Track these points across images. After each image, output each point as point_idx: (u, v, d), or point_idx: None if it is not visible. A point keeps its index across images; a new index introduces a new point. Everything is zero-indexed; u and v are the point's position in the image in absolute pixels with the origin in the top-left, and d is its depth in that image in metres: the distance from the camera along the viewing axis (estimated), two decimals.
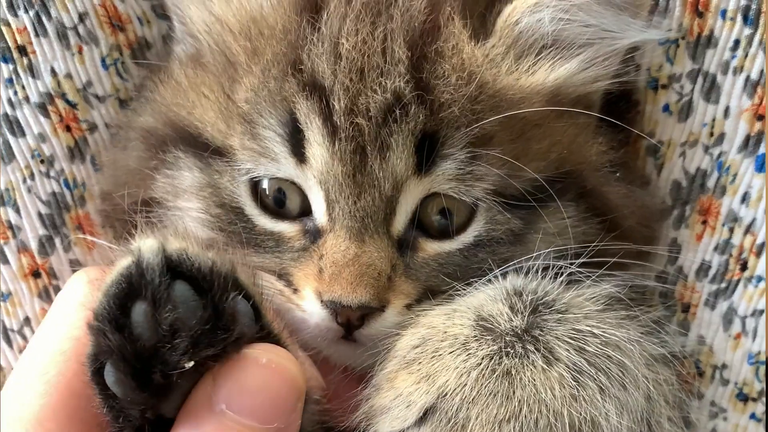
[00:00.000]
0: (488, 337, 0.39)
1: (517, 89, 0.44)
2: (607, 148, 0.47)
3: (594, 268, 0.44)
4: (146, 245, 0.35)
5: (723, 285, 0.50)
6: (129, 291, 0.34)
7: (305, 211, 0.44)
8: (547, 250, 0.44)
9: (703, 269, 0.50)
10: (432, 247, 0.44)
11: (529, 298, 0.40)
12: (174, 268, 0.35)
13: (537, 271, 0.42)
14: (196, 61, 0.47)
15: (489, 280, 0.42)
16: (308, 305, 0.43)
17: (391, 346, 0.41)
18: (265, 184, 0.44)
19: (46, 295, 0.51)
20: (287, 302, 0.43)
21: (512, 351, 0.38)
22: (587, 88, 0.46)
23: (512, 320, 0.39)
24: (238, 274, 0.37)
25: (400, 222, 0.43)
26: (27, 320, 0.51)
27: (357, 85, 0.42)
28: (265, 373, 0.35)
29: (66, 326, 0.39)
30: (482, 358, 0.38)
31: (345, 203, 0.42)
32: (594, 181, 0.46)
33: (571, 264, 0.42)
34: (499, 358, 0.38)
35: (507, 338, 0.39)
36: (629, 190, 0.48)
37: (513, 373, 0.38)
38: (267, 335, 0.37)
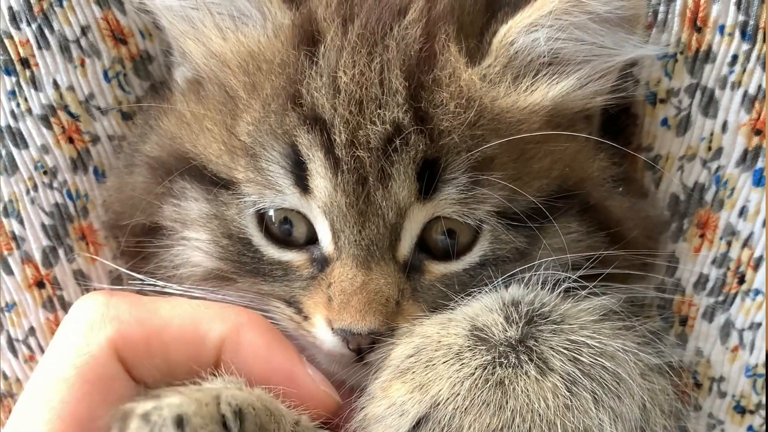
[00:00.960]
0: (482, 347, 0.40)
1: (516, 110, 0.44)
2: (608, 163, 0.48)
3: (598, 279, 0.45)
4: None
5: (721, 298, 0.51)
6: None
7: (312, 239, 0.45)
8: (550, 259, 0.44)
9: (701, 282, 0.51)
10: (438, 269, 0.45)
11: (525, 309, 0.41)
12: None
13: (538, 282, 0.43)
14: (198, 93, 0.48)
15: (489, 290, 0.43)
16: (320, 333, 0.44)
17: (386, 355, 0.42)
18: (271, 213, 0.45)
19: (51, 306, 0.52)
20: (299, 329, 0.45)
21: (506, 361, 0.39)
22: (585, 103, 0.47)
23: (507, 331, 0.40)
24: None
25: (406, 247, 0.44)
26: (32, 330, 0.52)
27: (356, 117, 0.42)
28: None
29: (70, 353, 0.39)
30: (475, 368, 0.39)
31: (350, 232, 0.43)
32: (597, 196, 0.47)
33: (572, 275, 0.43)
34: (493, 368, 0.39)
35: (501, 348, 0.39)
36: (632, 203, 0.48)
37: (506, 382, 0.38)
38: None
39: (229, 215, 0.45)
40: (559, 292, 0.43)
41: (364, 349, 0.43)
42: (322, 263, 0.44)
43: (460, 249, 0.45)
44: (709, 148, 0.49)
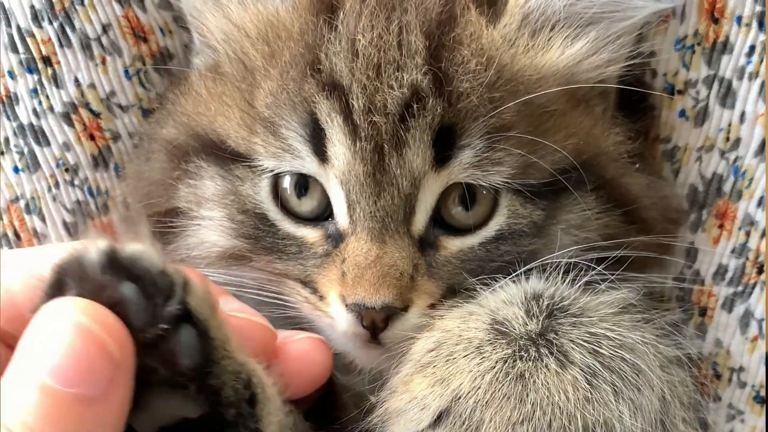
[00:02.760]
0: (502, 341, 0.41)
1: (533, 69, 0.46)
2: (624, 138, 0.49)
3: (617, 264, 0.46)
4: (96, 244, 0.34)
5: (740, 288, 0.52)
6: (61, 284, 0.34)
7: (326, 212, 0.46)
8: (572, 248, 0.45)
9: (719, 273, 0.52)
10: (454, 244, 0.46)
11: (546, 302, 0.42)
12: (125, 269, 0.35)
13: (558, 272, 0.44)
14: (216, 72, 0.50)
15: (510, 281, 0.44)
16: (334, 311, 0.45)
17: (406, 349, 0.43)
18: (286, 183, 0.46)
19: None
20: (314, 310, 0.46)
21: (526, 354, 0.40)
22: (600, 73, 0.48)
23: (527, 324, 0.41)
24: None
25: (421, 221, 0.45)
26: None
27: (374, 82, 0.43)
28: (73, 333, 0.32)
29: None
30: (496, 362, 0.40)
31: (366, 203, 0.44)
32: (613, 172, 0.48)
33: (594, 265, 0.44)
34: (513, 362, 0.40)
35: (521, 342, 0.41)
36: (649, 180, 0.49)
37: (527, 376, 0.40)
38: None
39: (244, 190, 0.47)
40: (579, 285, 0.43)
41: (377, 328, 0.44)
42: (337, 239, 0.46)
43: (477, 222, 0.46)
44: (727, 139, 0.51)
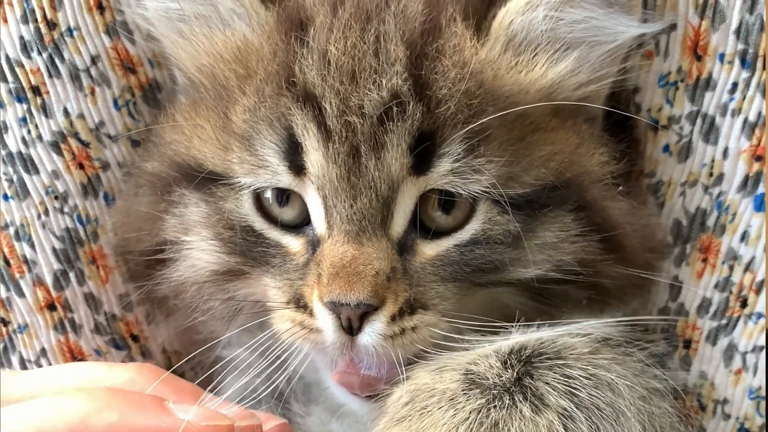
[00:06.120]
0: (476, 391, 0.43)
1: (516, 85, 0.48)
2: (608, 159, 0.51)
3: (595, 294, 0.49)
4: None
5: (723, 321, 0.55)
6: None
7: (306, 219, 0.49)
8: (544, 267, 0.47)
9: (704, 306, 0.55)
10: (431, 248, 0.48)
11: (528, 352, 0.45)
12: None
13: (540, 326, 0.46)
14: (192, 99, 0.53)
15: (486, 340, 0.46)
16: (321, 320, 0.47)
17: (383, 403, 0.45)
18: (268, 194, 0.49)
19: (62, 328, 0.57)
20: (308, 336, 0.47)
21: (500, 403, 0.43)
22: (585, 92, 0.51)
23: (502, 375, 0.44)
24: None
25: (399, 224, 0.47)
26: (43, 351, 0.57)
27: (348, 86, 0.46)
28: None
29: None
30: (470, 412, 0.42)
31: (342, 207, 0.46)
32: (595, 193, 0.50)
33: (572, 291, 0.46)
34: (487, 411, 0.42)
35: (495, 391, 0.43)
36: (631, 206, 0.51)
37: (501, 424, 0.42)
38: None
39: (227, 207, 0.50)
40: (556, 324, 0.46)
41: (354, 329, 0.46)
42: (315, 245, 0.48)
43: (454, 225, 0.48)
44: (711, 174, 0.54)
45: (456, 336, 0.47)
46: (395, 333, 0.46)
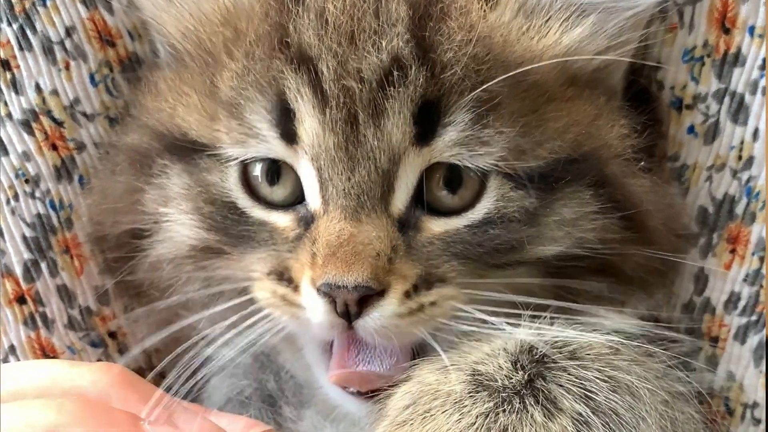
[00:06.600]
0: (484, 393, 0.41)
1: (526, 52, 0.46)
2: (629, 132, 0.49)
3: (618, 283, 0.47)
4: None
5: (753, 318, 0.52)
6: None
7: (299, 198, 0.47)
8: (564, 244, 0.44)
9: (732, 301, 0.52)
10: (437, 225, 0.45)
11: (540, 352, 0.42)
12: None
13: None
14: (174, 68, 0.51)
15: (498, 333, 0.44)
16: (306, 299, 0.44)
17: (383, 405, 0.43)
18: (257, 171, 0.47)
19: (32, 323, 0.54)
20: (289, 310, 0.45)
21: (509, 407, 0.41)
22: (603, 61, 0.49)
23: (512, 376, 0.42)
24: None
25: (401, 200, 0.45)
26: (12, 348, 0.54)
27: (346, 48, 0.44)
28: None
29: None
30: (476, 417, 0.40)
31: (338, 180, 0.44)
32: (614, 169, 0.48)
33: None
34: (495, 416, 0.40)
35: (504, 394, 0.41)
36: (654, 183, 0.50)
37: (510, 430, 0.40)
38: None
39: (211, 179, 0.48)
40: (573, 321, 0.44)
41: (352, 314, 0.43)
42: (308, 222, 0.46)
43: (463, 204, 0.46)
44: (740, 158, 0.51)
45: (478, 313, 0.43)
46: (412, 309, 0.43)
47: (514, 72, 0.44)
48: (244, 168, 0.47)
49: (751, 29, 0.49)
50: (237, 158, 0.46)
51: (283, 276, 0.45)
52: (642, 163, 0.49)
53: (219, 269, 0.49)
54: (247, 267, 0.47)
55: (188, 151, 0.48)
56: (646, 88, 0.52)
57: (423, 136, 0.44)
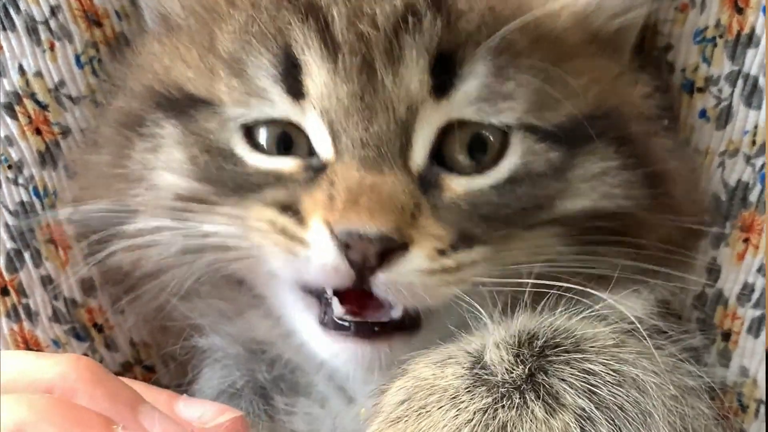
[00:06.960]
0: (482, 388, 0.40)
1: (546, 7, 0.46)
2: (651, 91, 0.49)
3: (637, 258, 0.46)
4: None
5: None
6: None
7: (308, 154, 0.45)
8: (592, 199, 0.44)
9: (745, 293, 0.51)
10: (460, 185, 0.44)
11: (541, 342, 0.41)
12: None
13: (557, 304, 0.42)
14: (169, 29, 0.50)
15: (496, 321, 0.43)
16: (314, 236, 0.42)
17: (377, 399, 0.41)
18: (262, 138, 0.45)
19: (15, 315, 0.52)
20: (286, 245, 0.43)
21: (509, 402, 0.39)
22: (625, 20, 0.49)
23: (512, 371, 0.40)
24: None
25: (419, 155, 0.44)
26: None
27: None
28: None
29: None
30: (474, 413, 0.39)
31: (354, 130, 0.43)
32: (637, 127, 0.48)
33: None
34: (494, 411, 0.39)
35: (503, 389, 0.40)
36: (677, 143, 0.49)
37: (509, 427, 0.38)
38: None
39: (210, 128, 0.46)
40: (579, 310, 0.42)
41: (367, 269, 0.41)
42: (318, 170, 0.44)
43: (487, 161, 0.45)
44: (754, 143, 0.49)
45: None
46: (448, 267, 0.42)
47: (530, 18, 0.43)
48: (247, 131, 0.45)
49: (765, 9, 0.47)
50: (237, 119, 0.45)
51: (290, 208, 0.43)
52: (666, 122, 0.48)
53: (202, 223, 0.46)
54: (239, 214, 0.45)
55: (184, 106, 0.46)
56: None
57: (440, 88, 0.43)
